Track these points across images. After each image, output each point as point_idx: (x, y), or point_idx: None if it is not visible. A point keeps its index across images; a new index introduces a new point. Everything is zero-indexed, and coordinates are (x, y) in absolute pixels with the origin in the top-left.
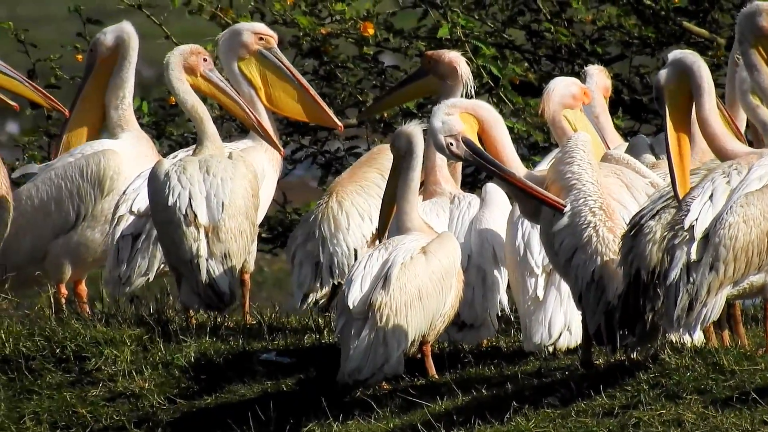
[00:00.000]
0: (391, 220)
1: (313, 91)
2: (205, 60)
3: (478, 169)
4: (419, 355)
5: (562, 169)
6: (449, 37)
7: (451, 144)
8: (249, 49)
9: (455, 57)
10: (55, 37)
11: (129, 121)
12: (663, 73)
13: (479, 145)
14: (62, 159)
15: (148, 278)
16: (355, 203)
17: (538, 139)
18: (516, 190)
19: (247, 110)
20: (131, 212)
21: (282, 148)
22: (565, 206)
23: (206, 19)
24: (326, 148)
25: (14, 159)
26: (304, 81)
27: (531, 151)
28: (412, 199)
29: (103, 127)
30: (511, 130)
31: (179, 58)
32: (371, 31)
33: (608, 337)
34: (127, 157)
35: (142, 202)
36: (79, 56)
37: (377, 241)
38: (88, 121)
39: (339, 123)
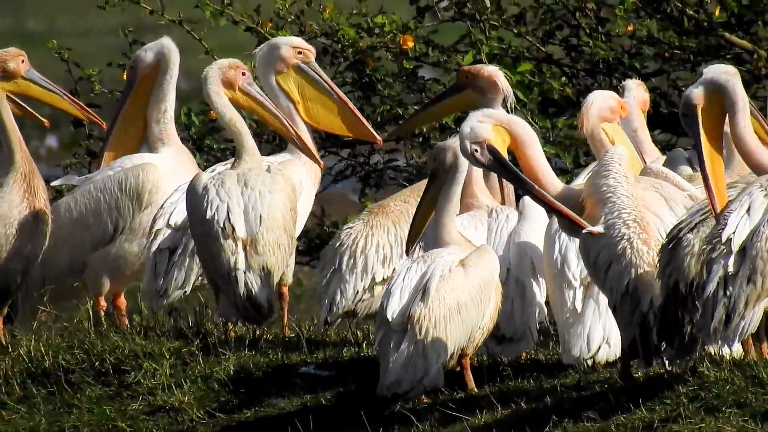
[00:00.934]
0: (422, 233)
1: (351, 105)
2: (243, 74)
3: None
4: (458, 368)
5: (598, 182)
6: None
7: (476, 150)
8: (287, 62)
9: (494, 71)
10: (93, 50)
11: (170, 135)
12: (694, 92)
13: (505, 156)
14: (101, 172)
15: (185, 291)
16: (380, 242)
17: (567, 162)
18: (540, 203)
19: (286, 123)
20: (168, 226)
21: (321, 161)
22: (585, 225)
23: (243, 31)
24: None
25: (53, 173)
26: (342, 95)
27: (574, 165)
28: (452, 213)
29: (143, 142)
30: None
31: (218, 72)
32: (410, 44)
33: (643, 349)
34: (166, 170)
35: (179, 216)
36: (124, 74)
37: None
38: (127, 136)
39: (378, 137)
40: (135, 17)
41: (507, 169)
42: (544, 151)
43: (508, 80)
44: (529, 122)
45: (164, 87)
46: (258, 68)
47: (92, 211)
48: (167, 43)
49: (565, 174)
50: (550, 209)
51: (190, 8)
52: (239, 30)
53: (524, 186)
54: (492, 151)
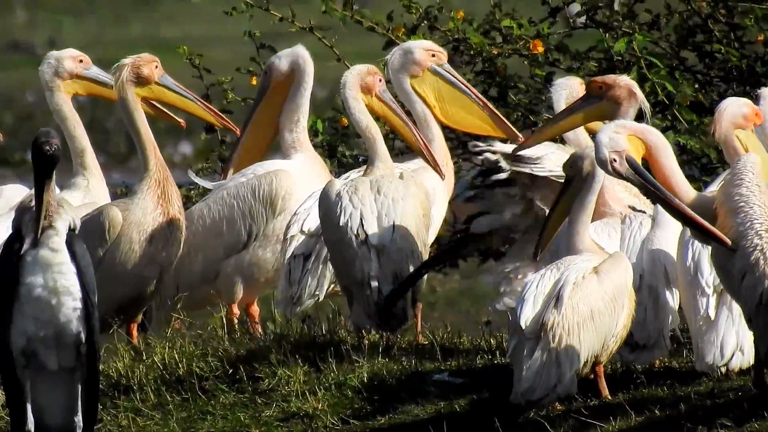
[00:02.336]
0: (552, 240)
1: (489, 104)
2: (380, 80)
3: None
4: (591, 376)
5: (730, 191)
6: (621, 54)
7: (614, 160)
8: (422, 66)
9: (629, 80)
10: (227, 58)
11: (303, 143)
12: None
13: (642, 167)
14: (234, 179)
15: (318, 298)
16: None
17: (712, 156)
18: (676, 215)
19: (417, 134)
20: (302, 232)
21: (443, 172)
22: (728, 243)
23: (381, 36)
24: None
25: (187, 180)
26: (479, 94)
27: (702, 173)
28: (586, 221)
29: (274, 149)
30: (684, 148)
31: (356, 78)
32: (541, 49)
33: None
34: (299, 177)
35: (312, 222)
36: (254, 80)
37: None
38: (258, 143)
39: (519, 134)
40: (268, 24)
41: (645, 179)
42: (690, 145)
43: (654, 75)
44: (677, 117)
45: (298, 96)
46: (392, 73)
47: (226, 218)
48: (301, 52)
49: (695, 181)
50: (686, 221)
51: (321, 15)
52: (371, 36)
53: (663, 197)
54: (631, 161)
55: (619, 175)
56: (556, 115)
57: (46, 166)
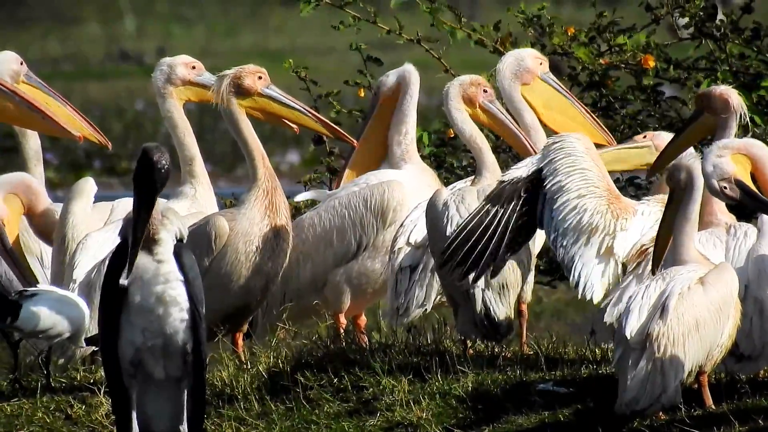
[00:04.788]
0: (666, 252)
1: (589, 111)
2: (485, 91)
3: None
4: (696, 385)
5: None
6: (728, 68)
7: (725, 188)
8: (532, 73)
9: (725, 89)
10: (336, 68)
11: (412, 155)
12: None
13: (753, 186)
14: (346, 188)
15: (426, 309)
16: None
17: None
18: None
19: (526, 142)
20: (408, 243)
21: None
22: None
23: (490, 51)
24: None
25: (295, 189)
26: (579, 102)
27: None
28: (689, 232)
29: (384, 163)
30: None
31: (458, 89)
32: (652, 64)
33: None
34: (410, 188)
35: (419, 234)
36: (362, 91)
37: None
38: (369, 157)
39: (615, 141)
40: (375, 36)
41: (759, 200)
42: None
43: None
44: None
45: (404, 109)
46: (502, 81)
47: (336, 228)
48: (408, 68)
49: None
50: None
51: (428, 26)
52: (478, 46)
53: None
54: (740, 185)
55: (732, 200)
56: (674, 137)
57: (155, 182)
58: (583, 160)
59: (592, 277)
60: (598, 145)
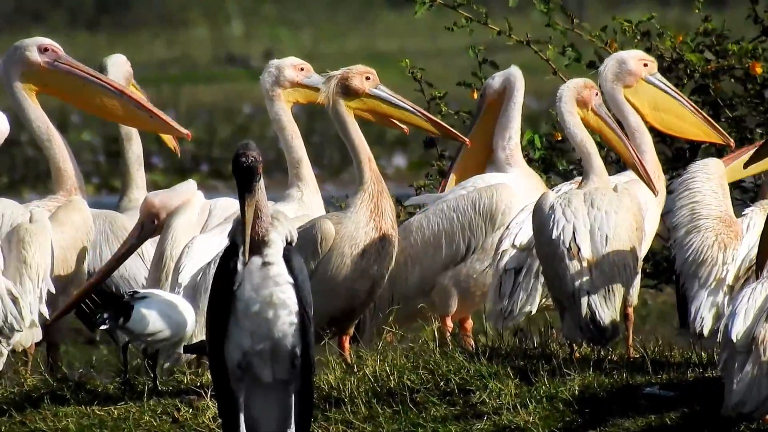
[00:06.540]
0: None
1: (702, 111)
2: (597, 94)
3: None
4: None
5: None
6: None
7: None
8: (636, 76)
9: None
10: (442, 71)
11: (516, 159)
12: None
13: None
14: (454, 191)
15: (531, 311)
16: None
17: None
18: None
19: (631, 149)
20: (513, 246)
21: (656, 188)
22: None
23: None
24: None
25: (402, 192)
26: (689, 101)
27: None
28: None
29: (489, 166)
30: None
31: (572, 92)
32: (759, 71)
33: None
34: (518, 191)
35: (524, 236)
36: (474, 93)
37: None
38: (474, 160)
39: (731, 140)
40: (485, 37)
41: None
42: None
43: None
44: None
45: (509, 113)
46: (605, 84)
47: (444, 231)
48: (514, 71)
49: None
50: None
51: (539, 28)
52: (585, 50)
53: None
54: None
55: None
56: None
57: (245, 178)
58: (698, 191)
59: (702, 310)
60: (720, 151)
